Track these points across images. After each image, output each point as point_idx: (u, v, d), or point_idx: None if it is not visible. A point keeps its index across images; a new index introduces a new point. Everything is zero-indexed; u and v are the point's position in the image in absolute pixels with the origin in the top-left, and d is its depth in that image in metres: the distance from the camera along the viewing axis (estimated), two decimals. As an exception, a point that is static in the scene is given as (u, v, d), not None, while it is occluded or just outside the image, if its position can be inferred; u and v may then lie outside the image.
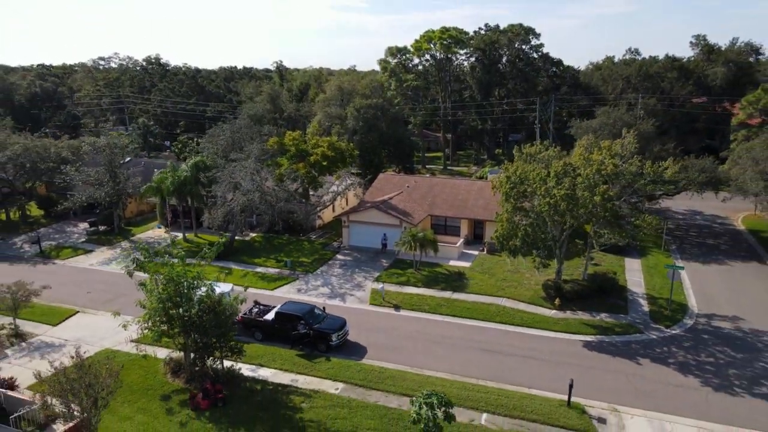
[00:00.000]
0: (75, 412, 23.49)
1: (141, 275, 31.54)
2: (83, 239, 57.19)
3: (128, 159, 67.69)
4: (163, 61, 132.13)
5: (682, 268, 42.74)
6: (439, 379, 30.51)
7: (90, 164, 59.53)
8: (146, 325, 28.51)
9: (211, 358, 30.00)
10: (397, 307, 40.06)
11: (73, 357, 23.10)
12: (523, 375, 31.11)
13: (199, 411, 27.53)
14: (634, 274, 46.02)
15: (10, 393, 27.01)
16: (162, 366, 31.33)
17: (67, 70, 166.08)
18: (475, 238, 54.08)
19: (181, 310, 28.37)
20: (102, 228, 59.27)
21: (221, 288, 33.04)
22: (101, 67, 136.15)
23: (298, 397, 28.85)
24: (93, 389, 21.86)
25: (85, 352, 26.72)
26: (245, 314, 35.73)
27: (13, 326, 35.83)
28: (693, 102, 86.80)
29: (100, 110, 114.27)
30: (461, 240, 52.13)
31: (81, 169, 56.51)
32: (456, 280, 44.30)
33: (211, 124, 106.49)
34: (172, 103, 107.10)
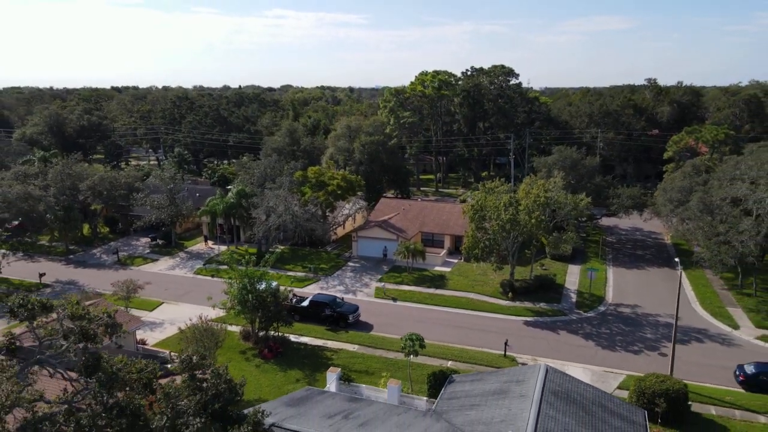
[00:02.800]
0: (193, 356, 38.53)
1: (203, 277, 46.52)
2: (147, 251, 72.53)
3: (171, 185, 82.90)
4: (190, 92, 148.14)
5: (597, 270, 58.10)
6: (422, 343, 45.67)
7: (149, 190, 74.91)
8: (230, 305, 43.81)
9: (270, 328, 45.17)
10: (394, 299, 55.26)
11: (201, 319, 38.25)
12: (480, 341, 46.27)
13: (265, 359, 42.74)
14: (572, 276, 61.28)
15: (145, 346, 42.21)
16: (237, 334, 46.57)
17: (93, 94, 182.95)
18: (456, 249, 69.38)
19: (251, 296, 43.65)
20: (161, 242, 74.61)
21: (274, 284, 48.30)
22: (140, 88, 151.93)
23: (328, 352, 44.12)
24: (214, 336, 37.09)
25: (184, 324, 41.59)
26: (287, 302, 50.88)
27: (126, 311, 50.98)
28: (648, 135, 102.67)
29: (135, 139, 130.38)
30: (444, 251, 67.48)
31: (150, 196, 71.82)
32: (439, 281, 59.58)
33: (234, 151, 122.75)
34: (199, 133, 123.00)
